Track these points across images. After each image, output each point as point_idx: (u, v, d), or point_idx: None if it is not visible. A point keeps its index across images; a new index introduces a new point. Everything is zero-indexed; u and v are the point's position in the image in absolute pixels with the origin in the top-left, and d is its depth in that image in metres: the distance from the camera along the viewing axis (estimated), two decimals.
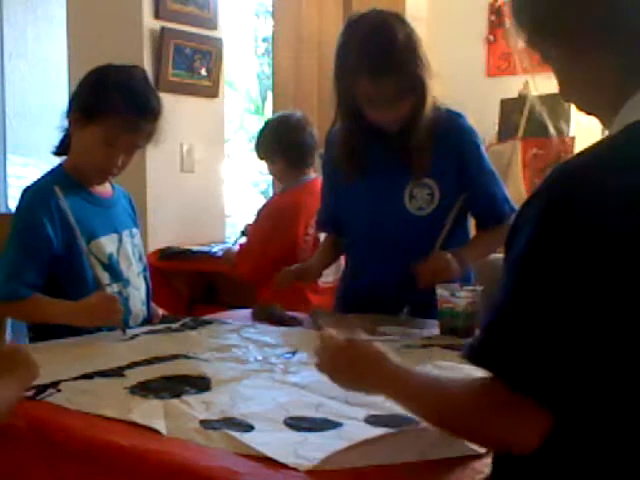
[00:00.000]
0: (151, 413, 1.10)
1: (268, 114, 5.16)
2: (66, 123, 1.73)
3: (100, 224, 1.72)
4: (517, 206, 1.86)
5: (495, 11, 3.40)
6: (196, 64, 3.31)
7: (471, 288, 1.61)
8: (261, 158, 2.85)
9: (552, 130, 2.54)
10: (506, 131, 3.19)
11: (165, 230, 3.28)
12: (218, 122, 3.58)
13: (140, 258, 1.83)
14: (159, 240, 3.23)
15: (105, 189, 1.80)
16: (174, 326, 1.75)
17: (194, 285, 3.45)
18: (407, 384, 0.94)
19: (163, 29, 3.16)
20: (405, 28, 1.69)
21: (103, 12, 3.24)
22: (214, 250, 3.20)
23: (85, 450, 1.03)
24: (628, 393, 0.76)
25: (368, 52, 1.65)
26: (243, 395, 1.20)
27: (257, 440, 0.99)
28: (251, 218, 3.01)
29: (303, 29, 3.67)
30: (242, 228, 3.18)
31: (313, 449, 0.96)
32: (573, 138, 2.97)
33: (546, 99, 2.32)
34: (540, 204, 0.79)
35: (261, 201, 4.49)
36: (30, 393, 1.17)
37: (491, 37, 3.45)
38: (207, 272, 3.30)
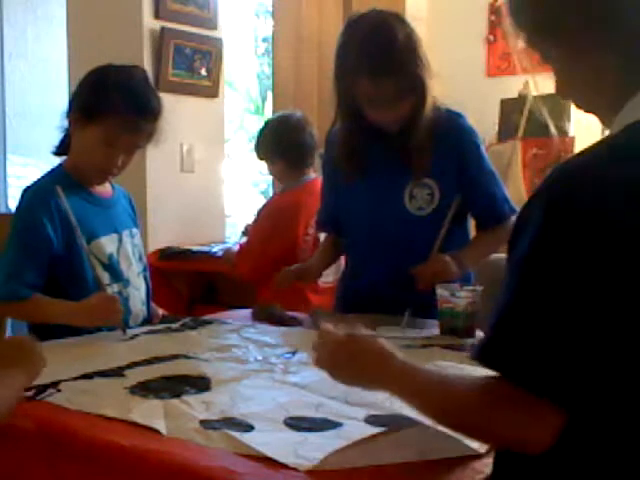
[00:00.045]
0: (151, 413, 1.10)
1: (268, 114, 5.16)
2: (66, 123, 1.73)
3: (100, 224, 1.72)
4: (517, 206, 1.86)
5: (495, 11, 3.40)
6: (196, 64, 3.31)
7: (471, 288, 1.61)
8: (261, 158, 2.85)
9: (552, 130, 2.54)
10: (506, 131, 3.19)
11: (165, 230, 3.28)
12: (218, 122, 3.58)
13: (140, 258, 1.83)
14: (159, 240, 3.23)
15: (105, 189, 1.80)
16: (174, 326, 1.75)
17: (194, 285, 3.45)
18: (412, 380, 0.93)
19: (163, 29, 3.16)
20: (405, 28, 1.69)
21: (103, 12, 3.24)
22: (214, 250, 3.20)
23: (85, 450, 1.03)
24: (635, 389, 0.76)
25: (368, 52, 1.65)
26: (243, 395, 1.20)
27: (257, 440, 0.99)
28: (251, 218, 3.01)
29: (303, 29, 3.67)
30: (242, 228, 3.19)
31: (313, 449, 0.96)
32: (573, 138, 2.97)
33: (546, 99, 2.32)
34: (541, 204, 0.79)
35: (261, 201, 4.50)
36: (30, 393, 1.17)
37: (491, 37, 3.45)
38: (207, 272, 3.30)
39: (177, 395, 1.19)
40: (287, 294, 2.11)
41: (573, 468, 0.79)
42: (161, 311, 1.89)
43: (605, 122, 0.91)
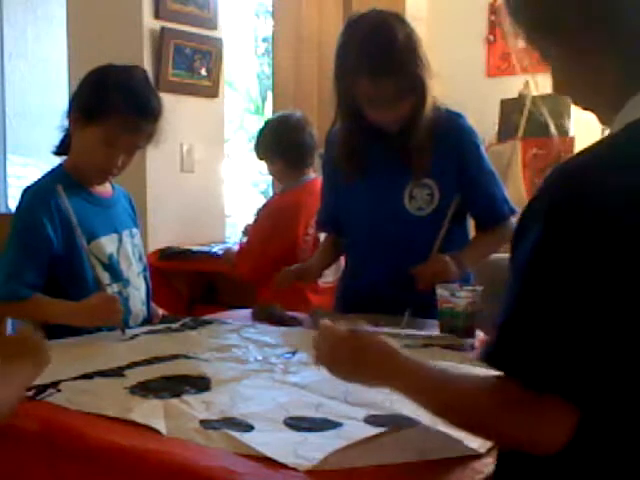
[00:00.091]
0: (151, 413, 1.10)
1: (268, 114, 5.16)
2: (66, 123, 1.73)
3: (100, 224, 1.72)
4: (517, 206, 1.86)
5: (495, 11, 3.40)
6: (196, 64, 3.31)
7: (471, 288, 1.61)
8: (261, 158, 2.85)
9: (552, 129, 2.54)
10: (506, 131, 3.19)
11: (165, 230, 3.28)
12: (218, 122, 3.58)
13: (140, 258, 1.83)
14: (159, 240, 3.23)
15: (105, 189, 1.80)
16: (174, 326, 1.75)
17: (194, 285, 3.45)
18: (417, 377, 0.93)
19: (163, 29, 3.16)
20: (405, 28, 1.69)
21: (103, 12, 3.24)
22: (214, 250, 3.21)
23: (85, 450, 1.03)
24: None
25: (368, 52, 1.65)
26: (243, 395, 1.20)
27: (257, 440, 0.99)
28: (251, 218, 3.01)
29: (303, 29, 3.67)
30: (242, 228, 3.19)
31: (313, 449, 0.96)
32: (573, 138, 2.97)
33: (546, 99, 2.32)
34: (542, 206, 0.80)
35: (261, 201, 4.49)
36: (30, 393, 1.17)
37: (491, 37, 3.45)
38: (207, 272, 3.30)
39: (177, 395, 1.19)
40: (287, 294, 2.11)
41: (578, 466, 0.79)
42: (161, 311, 1.89)
43: (604, 120, 0.91)
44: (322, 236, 2.26)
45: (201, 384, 1.26)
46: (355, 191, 1.87)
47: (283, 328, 1.76)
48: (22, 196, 1.71)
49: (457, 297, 1.58)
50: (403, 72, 1.66)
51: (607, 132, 0.88)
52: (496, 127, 3.22)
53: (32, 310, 1.62)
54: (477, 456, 0.95)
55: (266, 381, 1.29)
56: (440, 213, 1.77)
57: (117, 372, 1.32)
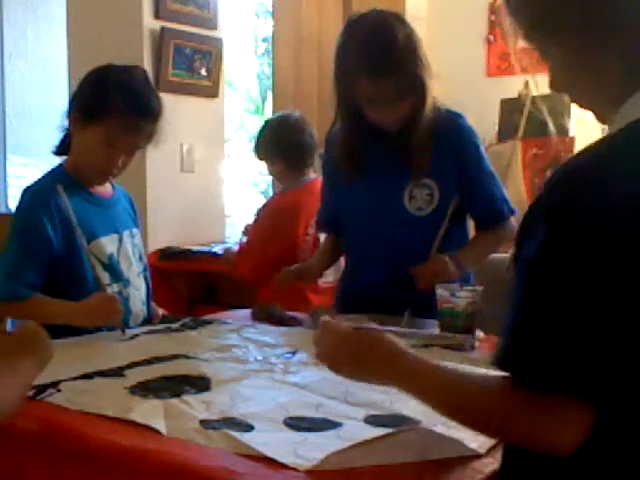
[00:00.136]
0: (151, 413, 1.10)
1: (268, 114, 5.16)
2: (66, 123, 1.73)
3: (100, 224, 1.72)
4: (516, 206, 1.86)
5: (495, 11, 3.40)
6: (196, 64, 3.31)
7: (471, 288, 1.61)
8: (261, 159, 2.85)
9: (551, 127, 2.54)
10: (506, 131, 3.19)
11: (165, 230, 3.28)
12: (218, 122, 3.58)
13: (140, 258, 1.83)
14: (159, 240, 3.23)
15: (105, 189, 1.80)
16: (174, 326, 1.75)
17: (194, 285, 3.45)
18: (426, 378, 0.91)
19: (163, 29, 3.16)
20: (405, 28, 1.69)
21: (103, 12, 3.24)
22: (214, 250, 3.20)
23: (85, 450, 1.03)
24: None
25: (368, 52, 1.65)
26: (243, 395, 1.20)
27: (257, 440, 0.99)
28: (251, 218, 3.01)
29: (303, 29, 3.67)
30: (242, 228, 3.19)
31: (313, 449, 0.96)
32: (573, 138, 2.97)
33: (546, 99, 2.32)
34: (542, 212, 0.80)
35: (261, 201, 4.49)
36: (30, 393, 1.17)
37: (491, 37, 3.45)
38: (207, 272, 3.30)
39: (177, 395, 1.19)
40: (287, 294, 2.11)
41: (586, 462, 0.79)
42: (161, 311, 1.89)
43: (602, 119, 0.91)
44: (322, 236, 2.26)
45: (201, 384, 1.26)
46: (355, 191, 1.87)
47: (283, 328, 1.76)
48: (22, 196, 1.71)
49: (457, 297, 1.58)
50: (403, 72, 1.66)
51: (606, 129, 0.88)
52: (496, 127, 3.22)
53: (32, 310, 1.62)
54: (477, 456, 0.95)
55: (266, 381, 1.29)
56: (440, 213, 1.77)
57: (117, 372, 1.33)
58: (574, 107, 0.95)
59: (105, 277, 1.68)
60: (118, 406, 1.13)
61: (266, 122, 2.96)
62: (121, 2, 3.19)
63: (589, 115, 0.93)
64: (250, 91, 6.59)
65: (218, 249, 3.20)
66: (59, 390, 1.21)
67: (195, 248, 3.27)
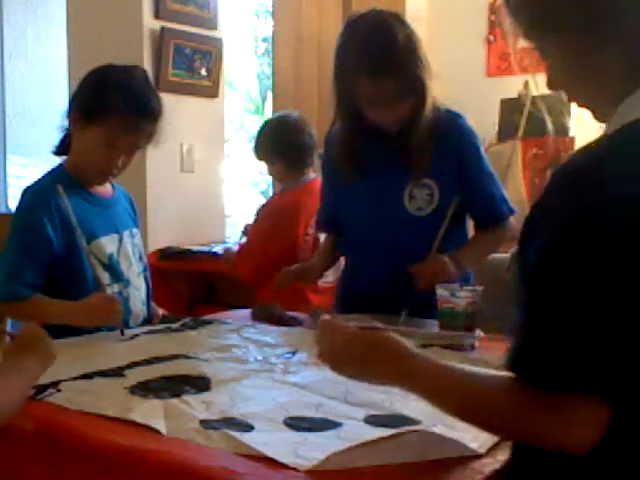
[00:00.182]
0: (151, 413, 1.10)
1: (268, 114, 5.16)
2: (66, 123, 1.73)
3: (100, 224, 1.72)
4: (516, 206, 1.87)
5: (495, 11, 3.40)
6: (196, 64, 3.31)
7: (471, 288, 1.61)
8: (260, 159, 2.85)
9: (549, 126, 2.54)
10: (506, 131, 3.19)
11: (165, 230, 3.28)
12: (218, 122, 3.58)
13: (140, 258, 1.83)
14: (159, 240, 3.23)
15: (105, 189, 1.80)
16: (174, 326, 1.75)
17: (194, 285, 3.45)
18: (434, 378, 0.91)
19: (163, 29, 3.16)
20: (405, 28, 1.69)
21: (103, 12, 3.24)
22: (214, 250, 3.21)
23: (85, 450, 1.03)
24: None
25: (368, 52, 1.65)
26: (243, 395, 1.20)
27: (257, 440, 0.99)
28: (251, 218, 3.01)
29: (303, 29, 3.67)
30: (242, 228, 3.19)
31: (313, 449, 0.96)
32: (573, 138, 2.97)
33: (546, 99, 2.32)
34: (543, 213, 0.81)
35: (261, 201, 4.50)
36: (30, 393, 1.17)
37: (491, 37, 3.45)
38: (207, 272, 3.31)
39: (177, 395, 1.19)
40: (287, 294, 2.11)
41: (598, 461, 0.79)
42: (161, 311, 1.89)
43: (601, 118, 0.91)
44: (322, 236, 2.26)
45: (201, 384, 1.26)
46: (355, 191, 1.87)
47: (283, 328, 1.76)
48: (22, 196, 1.71)
49: (457, 297, 1.58)
50: (403, 72, 1.66)
51: (604, 127, 0.88)
52: (496, 127, 3.23)
53: (32, 310, 1.62)
54: (477, 456, 0.95)
55: (266, 381, 1.29)
56: (440, 213, 1.77)
57: (117, 372, 1.33)
58: (574, 107, 0.95)
59: (105, 277, 1.68)
60: (118, 406, 1.13)
61: (265, 122, 2.97)
62: (121, 2, 3.19)
63: (589, 115, 0.93)
64: (250, 91, 6.59)
65: (218, 249, 3.20)
66: (59, 390, 1.21)
67: (195, 248, 3.27)
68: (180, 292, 3.38)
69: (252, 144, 2.97)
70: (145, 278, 1.83)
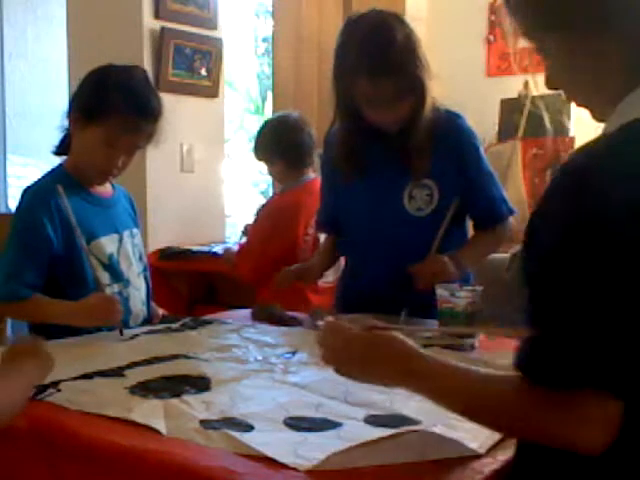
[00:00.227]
0: (151, 413, 1.10)
1: (268, 114, 5.16)
2: (66, 123, 1.73)
3: (100, 224, 1.72)
4: (517, 206, 1.87)
5: (495, 11, 3.40)
6: (196, 64, 3.31)
7: (471, 288, 1.61)
8: (260, 159, 2.85)
9: (548, 125, 2.54)
10: (506, 131, 3.19)
11: (165, 230, 3.28)
12: (218, 122, 3.58)
13: (140, 258, 1.83)
14: (159, 240, 3.23)
15: (105, 189, 1.80)
16: (174, 326, 1.75)
17: (194, 285, 3.45)
18: (443, 378, 0.90)
19: (163, 29, 3.16)
20: (404, 28, 1.68)
21: (103, 12, 3.24)
22: (214, 250, 3.21)
23: (85, 450, 1.03)
24: None
25: (367, 52, 1.65)
26: (243, 395, 1.20)
27: (257, 440, 0.99)
28: (251, 218, 3.01)
29: (303, 29, 3.67)
30: (242, 228, 3.19)
31: (313, 449, 0.96)
32: (573, 138, 2.97)
33: (546, 99, 2.32)
34: (545, 216, 0.81)
35: (261, 201, 4.50)
36: (30, 394, 1.17)
37: (491, 37, 3.45)
38: (207, 272, 3.31)
39: (177, 395, 1.19)
40: (287, 294, 2.11)
41: (603, 459, 0.79)
42: (161, 311, 1.89)
43: (599, 117, 0.91)
44: (322, 236, 2.26)
45: (201, 384, 1.26)
46: (354, 191, 1.87)
47: (283, 328, 1.76)
48: (22, 196, 1.71)
49: (457, 297, 1.58)
50: (402, 72, 1.66)
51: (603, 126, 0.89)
52: (496, 127, 3.22)
53: (32, 310, 1.63)
54: (477, 456, 0.95)
55: (266, 381, 1.29)
56: (439, 214, 1.76)
57: (117, 372, 1.32)
58: (574, 107, 0.95)
59: (105, 277, 1.68)
60: (118, 406, 1.13)
61: (265, 122, 2.97)
62: (121, 2, 3.19)
63: (589, 114, 0.93)
64: (250, 91, 6.59)
65: (218, 249, 3.20)
66: (59, 390, 1.20)
67: (195, 248, 3.27)
68: (180, 292, 3.38)
69: (252, 144, 2.97)
70: (145, 278, 1.83)
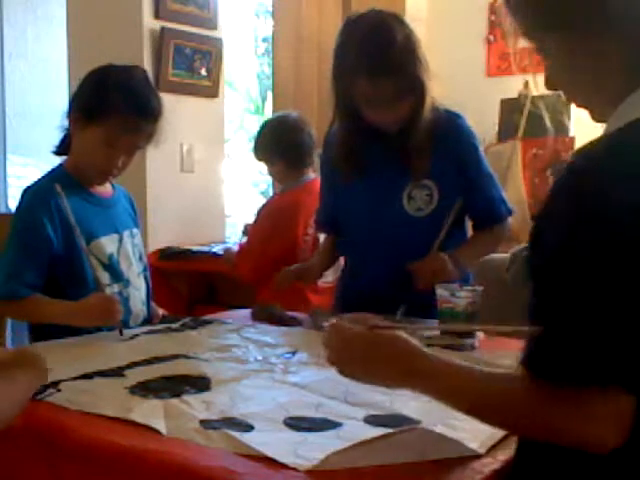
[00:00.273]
0: (151, 413, 1.10)
1: (268, 114, 5.16)
2: (66, 123, 1.73)
3: (100, 224, 1.72)
4: (516, 207, 1.87)
5: (495, 11, 3.39)
6: (196, 64, 3.31)
7: (471, 288, 1.61)
8: (259, 160, 2.85)
9: (548, 125, 2.54)
10: (506, 131, 3.19)
11: (165, 230, 3.28)
12: (218, 122, 3.58)
13: (140, 258, 1.83)
14: (159, 240, 3.23)
15: (105, 189, 1.80)
16: (174, 326, 1.75)
17: (194, 285, 3.45)
18: (448, 377, 0.90)
19: (163, 29, 3.16)
20: (404, 29, 1.68)
21: (103, 12, 3.24)
22: (214, 250, 3.21)
23: (85, 450, 1.03)
24: None
25: (367, 52, 1.65)
26: (243, 395, 1.20)
27: (257, 440, 0.99)
28: (251, 218, 3.01)
29: (303, 29, 3.67)
30: (242, 228, 3.19)
31: (313, 449, 0.96)
32: (573, 138, 2.97)
33: (546, 99, 2.32)
34: (549, 218, 0.81)
35: (261, 201, 4.49)
36: (29, 396, 1.17)
37: (491, 37, 3.45)
38: (207, 272, 3.31)
39: (177, 395, 1.19)
40: (287, 294, 2.11)
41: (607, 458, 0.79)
42: (161, 311, 1.89)
43: (599, 118, 0.91)
44: (322, 236, 2.26)
45: (201, 384, 1.26)
46: (354, 191, 1.87)
47: (283, 328, 1.76)
48: (22, 196, 1.71)
49: (457, 297, 1.58)
50: (402, 72, 1.66)
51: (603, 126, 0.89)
52: (496, 127, 3.22)
53: (31, 310, 1.63)
54: (477, 456, 0.95)
55: (266, 381, 1.29)
56: (439, 214, 1.76)
57: (117, 372, 1.32)
58: (574, 107, 0.95)
59: (105, 277, 1.68)
60: (118, 406, 1.13)
61: (265, 122, 2.97)
62: (121, 2, 3.19)
63: (588, 115, 0.93)
64: (250, 91, 6.59)
65: (218, 249, 3.20)
66: (59, 390, 1.20)
67: (195, 248, 3.27)
68: (180, 292, 3.38)
69: (252, 144, 2.97)
70: (145, 278, 1.83)
